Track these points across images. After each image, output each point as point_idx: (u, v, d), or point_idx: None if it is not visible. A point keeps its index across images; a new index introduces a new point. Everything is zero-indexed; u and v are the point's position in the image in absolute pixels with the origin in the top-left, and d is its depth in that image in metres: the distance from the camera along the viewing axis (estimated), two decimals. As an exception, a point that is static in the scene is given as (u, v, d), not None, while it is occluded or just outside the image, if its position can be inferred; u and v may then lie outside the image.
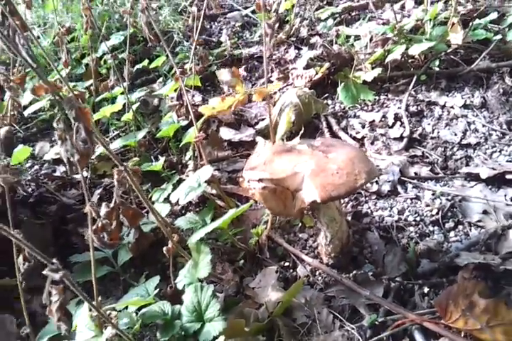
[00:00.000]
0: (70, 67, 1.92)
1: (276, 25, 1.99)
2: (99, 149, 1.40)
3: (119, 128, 1.71)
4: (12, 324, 1.14)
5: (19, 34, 0.72)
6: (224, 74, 1.39)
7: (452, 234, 1.20)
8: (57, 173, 1.55)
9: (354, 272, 1.09)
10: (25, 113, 1.66)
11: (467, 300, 0.95)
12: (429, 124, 1.57)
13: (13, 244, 0.89)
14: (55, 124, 0.66)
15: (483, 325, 0.92)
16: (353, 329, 0.95)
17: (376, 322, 0.96)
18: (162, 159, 1.39)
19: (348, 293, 1.05)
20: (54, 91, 0.67)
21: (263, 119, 1.63)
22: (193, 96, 1.77)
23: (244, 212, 1.25)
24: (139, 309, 0.94)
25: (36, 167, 1.62)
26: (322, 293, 1.07)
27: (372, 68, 1.73)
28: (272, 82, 1.77)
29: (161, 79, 1.91)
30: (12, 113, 1.34)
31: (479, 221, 1.21)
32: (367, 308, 1.01)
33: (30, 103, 1.75)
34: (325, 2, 2.28)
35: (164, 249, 1.00)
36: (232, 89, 1.21)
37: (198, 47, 1.55)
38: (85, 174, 1.43)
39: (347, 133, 1.56)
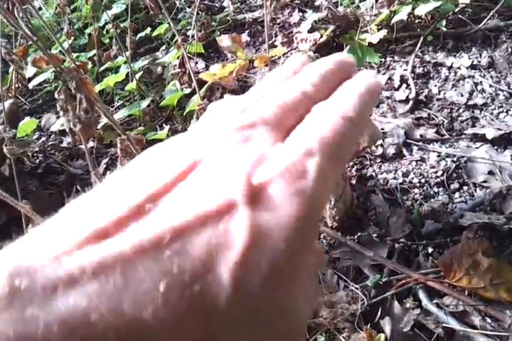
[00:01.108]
0: (72, 38, 1.91)
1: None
2: (105, 119, 1.40)
3: (123, 97, 1.71)
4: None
5: (17, 7, 0.72)
6: (224, 40, 1.38)
7: (457, 194, 1.20)
8: (64, 144, 1.56)
9: (358, 234, 1.10)
10: (30, 85, 1.67)
11: (471, 259, 0.97)
12: (435, 86, 1.55)
13: (22, 215, 0.91)
14: (56, 95, 0.67)
15: (487, 283, 0.93)
16: (357, 289, 0.97)
17: (380, 282, 0.98)
18: (166, 128, 1.40)
19: (352, 255, 1.07)
20: (54, 63, 0.67)
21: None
22: (196, 63, 1.75)
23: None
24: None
25: (43, 138, 1.63)
26: (327, 255, 1.09)
27: (378, 30, 1.70)
28: (275, 46, 1.75)
29: (163, 47, 1.89)
30: (16, 85, 1.34)
31: (484, 181, 1.21)
32: (371, 269, 1.03)
33: (35, 75, 1.76)
34: (329, -38, 2.22)
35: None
36: (233, 54, 1.19)
37: (200, 13, 1.53)
38: (91, 144, 1.44)
39: (352, 96, 1.54)
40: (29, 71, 1.68)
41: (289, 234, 0.22)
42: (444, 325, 0.89)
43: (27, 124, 1.45)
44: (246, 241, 0.21)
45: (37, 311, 0.17)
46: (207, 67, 1.78)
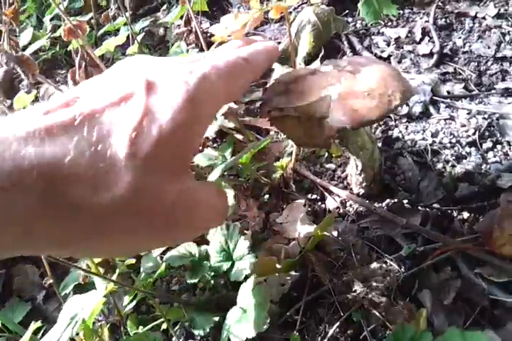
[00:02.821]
0: (67, 1, 1.80)
1: None
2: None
3: (125, 63, 1.60)
4: (35, 274, 1.13)
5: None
6: (236, -11, 1.26)
7: (491, 154, 1.11)
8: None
9: (387, 201, 1.02)
10: (25, 53, 1.56)
11: (513, 223, 0.88)
12: (459, 38, 1.44)
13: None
14: None
15: (532, 250, 0.86)
16: (391, 260, 0.90)
17: (416, 252, 0.90)
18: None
19: (382, 223, 0.99)
20: None
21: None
22: (201, 23, 1.64)
23: (267, 145, 1.17)
24: (164, 253, 0.89)
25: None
26: (355, 224, 1.01)
27: (395, -21, 1.57)
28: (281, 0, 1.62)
29: (164, 7, 1.77)
30: (10, 52, 1.24)
31: (520, 139, 1.12)
32: (404, 238, 0.96)
33: (30, 43, 1.65)
34: None
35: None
36: (246, 4, 1.08)
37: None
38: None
39: (371, 52, 1.43)
40: (23, 38, 1.58)
41: (172, 110, 0.33)
42: (490, 296, 0.82)
43: (25, 95, 1.35)
44: (140, 114, 0.31)
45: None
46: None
